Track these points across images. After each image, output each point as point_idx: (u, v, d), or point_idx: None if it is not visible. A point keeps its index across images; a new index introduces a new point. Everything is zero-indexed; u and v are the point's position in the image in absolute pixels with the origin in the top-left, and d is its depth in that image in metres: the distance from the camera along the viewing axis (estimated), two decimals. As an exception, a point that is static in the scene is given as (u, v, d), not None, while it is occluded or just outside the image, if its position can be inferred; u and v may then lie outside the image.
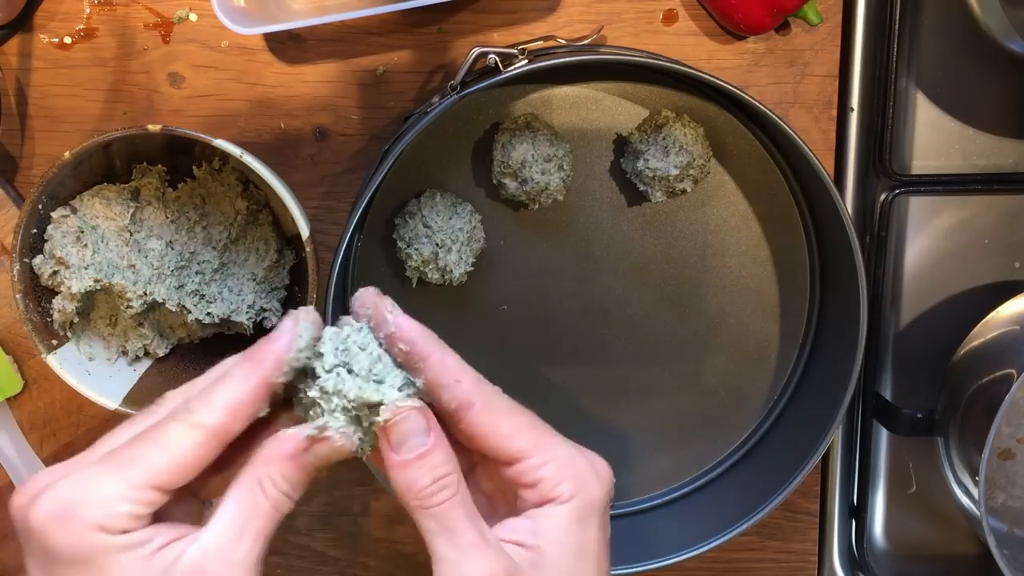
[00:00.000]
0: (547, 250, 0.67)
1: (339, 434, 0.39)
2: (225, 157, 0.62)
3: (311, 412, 0.40)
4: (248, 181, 0.64)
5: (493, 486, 0.44)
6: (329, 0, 0.63)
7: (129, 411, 0.60)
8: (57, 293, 0.60)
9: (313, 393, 0.40)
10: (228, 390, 0.39)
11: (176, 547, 0.37)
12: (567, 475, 0.40)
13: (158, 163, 0.63)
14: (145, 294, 0.60)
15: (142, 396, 0.61)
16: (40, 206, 0.58)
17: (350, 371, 0.40)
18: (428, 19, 0.65)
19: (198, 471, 0.38)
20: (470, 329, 0.68)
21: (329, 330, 0.41)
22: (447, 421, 0.41)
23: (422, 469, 0.39)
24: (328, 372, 0.40)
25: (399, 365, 0.41)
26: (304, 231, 0.58)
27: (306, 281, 0.59)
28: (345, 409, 0.39)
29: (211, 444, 0.38)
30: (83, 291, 0.59)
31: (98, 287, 0.60)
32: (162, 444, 0.38)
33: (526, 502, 0.40)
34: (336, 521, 0.72)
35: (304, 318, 0.41)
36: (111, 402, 0.60)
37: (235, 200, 0.63)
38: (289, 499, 0.39)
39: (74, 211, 0.60)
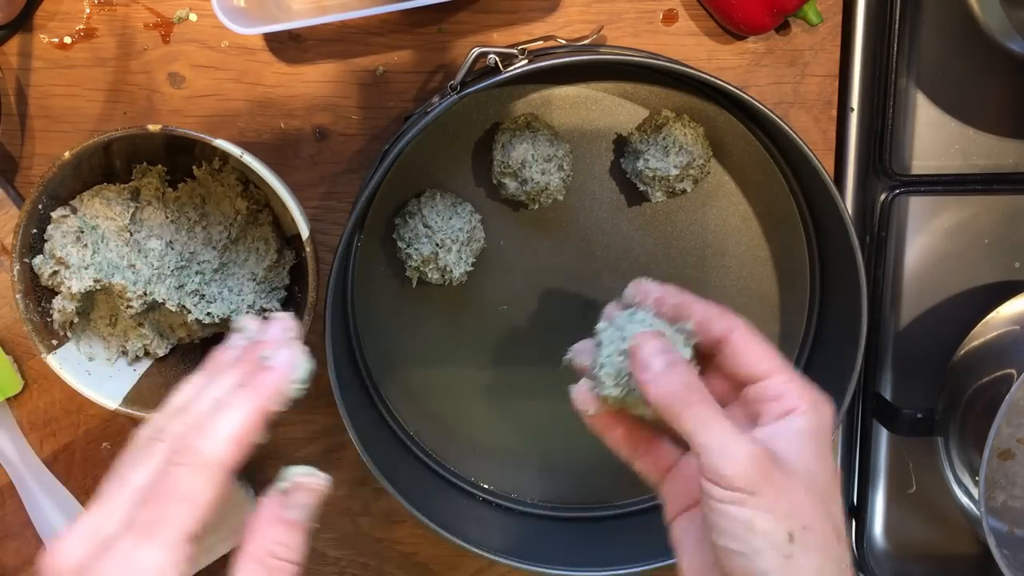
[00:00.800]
0: (547, 250, 0.67)
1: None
2: (225, 157, 0.62)
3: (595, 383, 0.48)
4: (248, 181, 0.64)
5: (739, 413, 0.48)
6: (329, 0, 0.63)
7: (129, 411, 0.60)
8: (57, 293, 0.60)
9: (599, 373, 0.47)
10: (231, 422, 0.40)
11: None
12: (805, 395, 0.45)
13: (158, 163, 0.63)
14: (145, 294, 0.60)
15: (142, 396, 0.61)
16: (40, 206, 0.58)
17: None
18: (428, 19, 0.65)
19: (215, 507, 0.40)
20: (470, 329, 0.68)
21: (603, 325, 0.49)
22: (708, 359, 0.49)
23: (673, 376, 0.44)
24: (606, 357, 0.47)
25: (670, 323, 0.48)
26: (304, 231, 0.58)
27: (306, 281, 0.59)
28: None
29: (221, 478, 0.40)
30: (83, 291, 0.59)
31: (98, 287, 0.60)
32: (182, 497, 0.39)
33: (769, 416, 0.45)
34: (336, 521, 0.72)
35: (298, 350, 0.44)
36: (111, 402, 0.60)
37: (235, 200, 0.63)
38: None
39: (74, 211, 0.60)
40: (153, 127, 0.56)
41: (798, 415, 0.45)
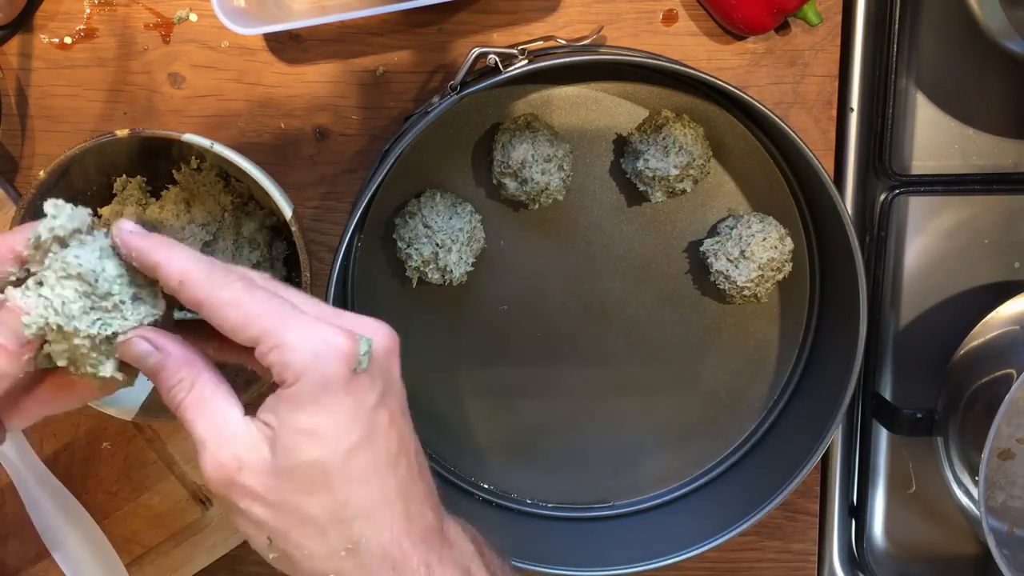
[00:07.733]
0: (547, 250, 0.67)
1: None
2: (202, 155, 0.62)
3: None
4: (229, 176, 0.63)
5: None
6: (329, 0, 0.63)
7: (147, 420, 0.59)
8: None
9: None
10: None
11: None
12: (293, 359, 0.40)
13: (137, 173, 0.62)
14: None
15: (158, 404, 0.61)
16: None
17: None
18: (428, 19, 0.65)
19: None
20: (470, 329, 0.68)
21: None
22: None
23: (161, 379, 0.42)
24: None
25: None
26: (287, 211, 0.57)
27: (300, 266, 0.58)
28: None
29: None
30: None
31: None
32: None
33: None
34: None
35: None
36: (127, 414, 0.59)
37: (219, 196, 0.62)
38: None
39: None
40: (121, 132, 0.55)
41: (284, 388, 0.41)
